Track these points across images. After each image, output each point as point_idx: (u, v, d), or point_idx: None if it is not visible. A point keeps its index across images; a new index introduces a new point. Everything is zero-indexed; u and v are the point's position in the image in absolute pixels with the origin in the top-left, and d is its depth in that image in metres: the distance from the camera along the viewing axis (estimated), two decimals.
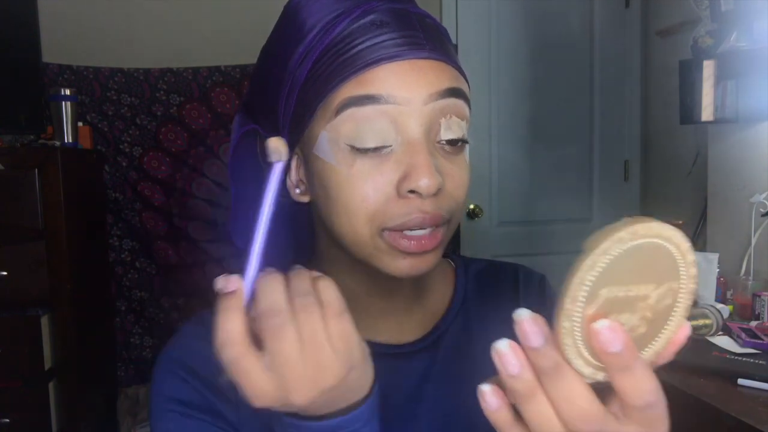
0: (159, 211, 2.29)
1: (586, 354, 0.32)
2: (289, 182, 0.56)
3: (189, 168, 2.31)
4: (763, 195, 1.70)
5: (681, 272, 0.32)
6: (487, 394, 0.33)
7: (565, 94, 2.60)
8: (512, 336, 0.32)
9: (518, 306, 0.31)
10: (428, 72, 0.49)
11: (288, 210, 0.58)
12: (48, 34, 2.14)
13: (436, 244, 0.50)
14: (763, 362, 1.31)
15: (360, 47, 0.49)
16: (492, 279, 0.66)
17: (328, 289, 0.40)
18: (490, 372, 0.33)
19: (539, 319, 0.31)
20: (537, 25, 2.55)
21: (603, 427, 0.32)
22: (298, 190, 0.56)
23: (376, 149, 0.48)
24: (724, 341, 1.46)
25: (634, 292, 0.31)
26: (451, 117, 0.50)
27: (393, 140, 0.49)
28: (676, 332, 0.34)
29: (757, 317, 1.60)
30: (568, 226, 2.56)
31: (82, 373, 1.87)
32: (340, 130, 0.49)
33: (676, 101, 1.93)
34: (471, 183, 0.54)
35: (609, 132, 2.63)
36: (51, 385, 1.76)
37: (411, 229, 0.49)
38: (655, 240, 0.31)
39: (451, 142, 0.51)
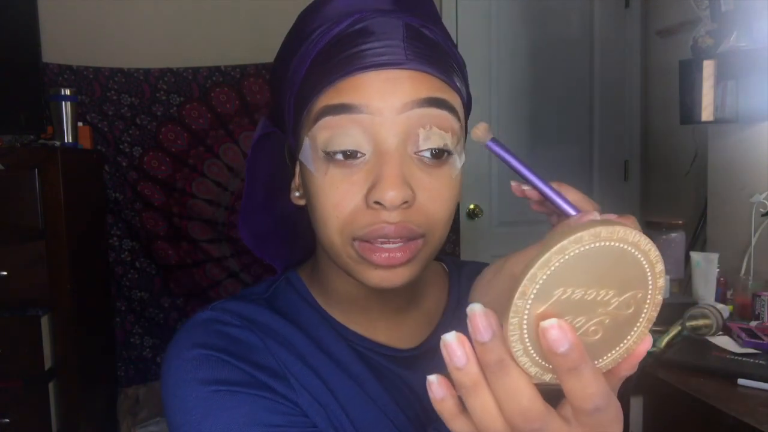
0: (159, 211, 2.29)
1: (533, 353, 0.31)
2: (293, 185, 0.57)
3: (189, 168, 2.31)
4: (763, 195, 1.70)
5: (648, 282, 0.31)
6: (434, 384, 0.33)
7: (565, 94, 2.60)
8: None
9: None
10: (404, 82, 0.48)
11: (292, 211, 0.59)
12: (48, 34, 2.15)
13: (409, 257, 0.49)
14: (763, 362, 1.31)
15: (341, 56, 0.49)
16: None
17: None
18: None
19: (490, 315, 0.30)
20: (537, 24, 2.55)
21: (544, 426, 0.31)
22: (297, 194, 0.57)
23: (348, 157, 0.48)
24: (724, 341, 1.46)
25: (592, 295, 0.30)
26: (431, 128, 0.49)
27: (366, 149, 0.48)
28: (638, 344, 0.33)
29: (757, 317, 1.60)
30: None
31: (82, 373, 1.86)
32: (317, 138, 0.49)
33: (676, 101, 1.93)
34: (458, 197, 0.52)
35: (609, 132, 2.63)
36: (51, 385, 1.76)
37: (376, 241, 0.48)
38: (620, 245, 0.29)
39: (433, 154, 0.49)
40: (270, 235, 0.67)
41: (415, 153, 0.49)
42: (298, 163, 0.55)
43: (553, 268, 0.29)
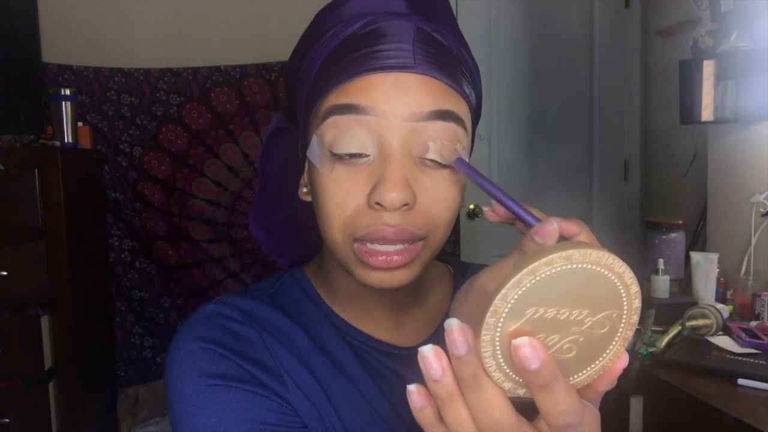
0: (159, 211, 2.29)
1: (507, 369, 0.32)
2: (302, 181, 0.58)
3: (189, 168, 2.31)
4: (763, 195, 1.70)
5: (623, 302, 0.32)
6: (413, 393, 0.34)
7: (565, 94, 2.60)
8: None
9: None
10: (412, 88, 0.48)
11: (302, 207, 0.59)
12: (48, 34, 2.15)
13: (407, 260, 0.49)
14: (763, 362, 1.31)
15: (351, 57, 0.49)
16: None
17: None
18: None
19: (467, 330, 0.31)
20: (537, 25, 2.55)
21: None
22: (305, 189, 0.57)
23: (353, 157, 0.49)
24: (724, 341, 1.46)
25: (565, 315, 0.31)
26: (441, 143, 0.49)
27: (371, 151, 0.49)
28: (614, 361, 0.34)
29: (757, 317, 1.60)
30: None
31: (82, 373, 1.87)
32: (324, 136, 0.50)
33: (676, 101, 1.93)
34: (461, 200, 0.53)
35: (609, 132, 2.63)
36: (51, 385, 1.76)
37: (376, 242, 0.49)
38: (593, 267, 0.30)
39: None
40: (280, 230, 0.67)
41: (418, 157, 0.49)
42: (307, 159, 0.55)
43: (524, 288, 0.30)
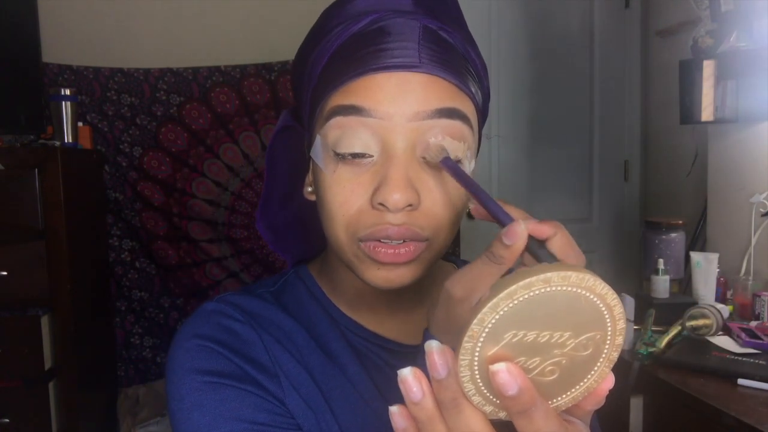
0: (159, 211, 2.29)
1: (487, 393, 0.31)
2: (306, 180, 0.58)
3: (189, 168, 2.31)
4: (763, 195, 1.70)
5: (607, 324, 0.31)
6: (395, 414, 0.34)
7: (565, 94, 2.60)
8: None
9: None
10: (416, 88, 0.48)
11: (307, 206, 0.60)
12: (48, 34, 2.15)
13: (412, 257, 0.49)
14: (763, 362, 1.31)
15: (356, 55, 0.49)
16: None
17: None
18: None
19: (447, 352, 0.31)
20: (537, 25, 2.55)
21: None
22: (309, 189, 0.57)
23: (356, 157, 0.49)
24: (724, 341, 1.46)
25: (546, 337, 0.30)
26: (443, 138, 0.48)
27: (375, 151, 0.48)
28: (599, 383, 0.33)
29: (757, 317, 1.60)
30: (568, 226, 2.44)
31: (82, 373, 1.87)
32: (328, 136, 0.50)
33: (676, 101, 1.92)
34: (466, 202, 0.51)
35: (609, 132, 2.63)
36: (51, 385, 1.76)
37: (382, 239, 0.48)
38: (573, 289, 0.29)
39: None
40: (286, 228, 0.67)
41: (423, 157, 0.49)
42: (311, 159, 0.55)
43: (501, 312, 0.29)
